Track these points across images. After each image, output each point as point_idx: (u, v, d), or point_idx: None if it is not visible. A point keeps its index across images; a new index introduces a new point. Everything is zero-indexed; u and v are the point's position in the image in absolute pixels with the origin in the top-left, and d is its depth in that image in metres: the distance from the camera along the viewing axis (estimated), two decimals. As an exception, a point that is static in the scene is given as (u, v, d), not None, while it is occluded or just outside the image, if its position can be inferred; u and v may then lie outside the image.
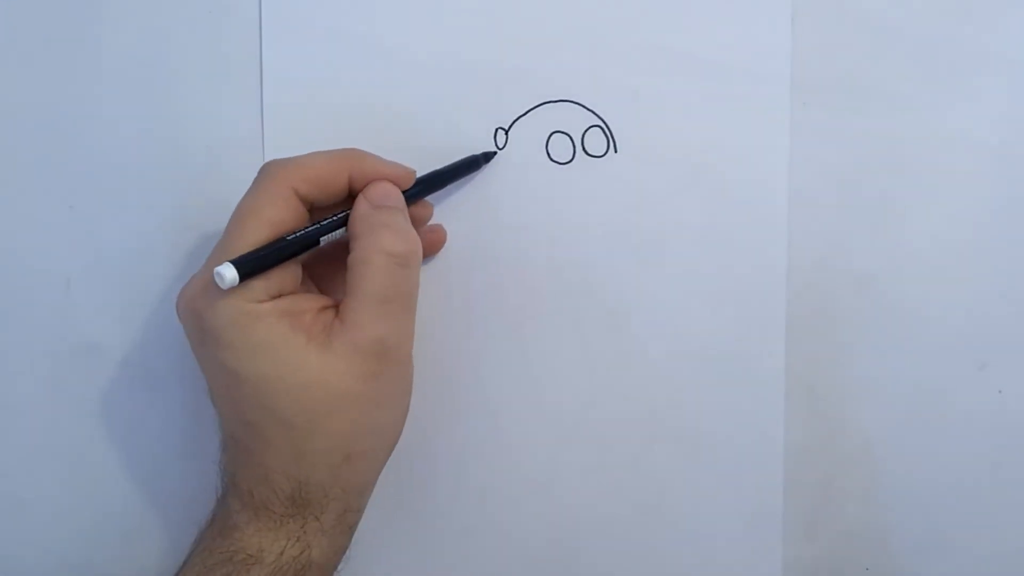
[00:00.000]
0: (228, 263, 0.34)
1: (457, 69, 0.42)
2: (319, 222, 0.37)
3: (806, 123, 0.42)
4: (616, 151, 0.42)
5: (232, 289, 0.34)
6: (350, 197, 0.38)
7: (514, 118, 0.42)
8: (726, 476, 0.43)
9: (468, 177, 0.42)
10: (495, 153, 0.42)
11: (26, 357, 0.44)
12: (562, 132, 0.42)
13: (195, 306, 0.36)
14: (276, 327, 0.35)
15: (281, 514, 0.36)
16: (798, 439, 0.43)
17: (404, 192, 0.38)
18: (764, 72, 0.41)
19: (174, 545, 0.44)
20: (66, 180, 0.43)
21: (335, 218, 0.37)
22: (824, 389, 0.43)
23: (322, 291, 0.40)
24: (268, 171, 0.37)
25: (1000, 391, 0.42)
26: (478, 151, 0.42)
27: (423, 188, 0.40)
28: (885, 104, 0.41)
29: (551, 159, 0.42)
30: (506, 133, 0.42)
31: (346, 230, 0.38)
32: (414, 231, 0.38)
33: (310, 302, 0.37)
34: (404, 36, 0.42)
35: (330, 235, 0.37)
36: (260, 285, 0.35)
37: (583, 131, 0.42)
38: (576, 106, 0.42)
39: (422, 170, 0.40)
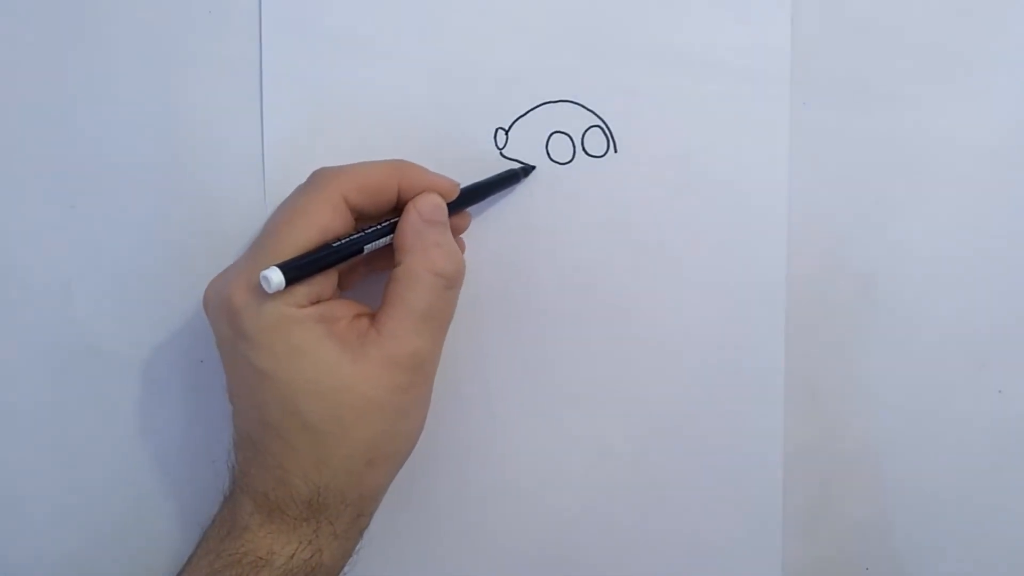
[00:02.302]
0: (276, 268, 0.34)
1: (457, 69, 0.42)
2: (364, 230, 0.37)
3: (806, 123, 0.42)
4: (616, 151, 0.42)
5: (275, 292, 0.35)
6: (394, 206, 0.38)
7: (514, 118, 0.42)
8: (726, 476, 0.43)
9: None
10: (534, 167, 0.42)
11: (27, 358, 0.44)
12: (562, 132, 0.42)
13: (232, 303, 0.36)
14: (313, 332, 0.35)
15: (295, 517, 0.36)
16: (798, 439, 0.43)
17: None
18: (764, 72, 0.41)
19: (175, 545, 0.44)
20: (66, 180, 0.43)
21: (380, 227, 0.37)
22: (824, 389, 0.43)
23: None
24: (320, 177, 0.37)
25: (1000, 391, 0.42)
26: (482, 152, 0.42)
27: (463, 200, 0.40)
28: (885, 104, 0.41)
29: (551, 159, 0.42)
30: (506, 133, 0.42)
31: (391, 239, 0.38)
32: (460, 252, 0.38)
33: (345, 308, 0.37)
34: (404, 36, 0.42)
35: (374, 243, 0.37)
36: (302, 290, 0.35)
37: (583, 131, 0.42)
38: (576, 106, 0.42)
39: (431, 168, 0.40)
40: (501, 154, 0.42)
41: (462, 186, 0.40)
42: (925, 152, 0.41)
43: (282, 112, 0.43)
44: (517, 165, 0.42)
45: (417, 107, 0.42)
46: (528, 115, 0.42)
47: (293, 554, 0.36)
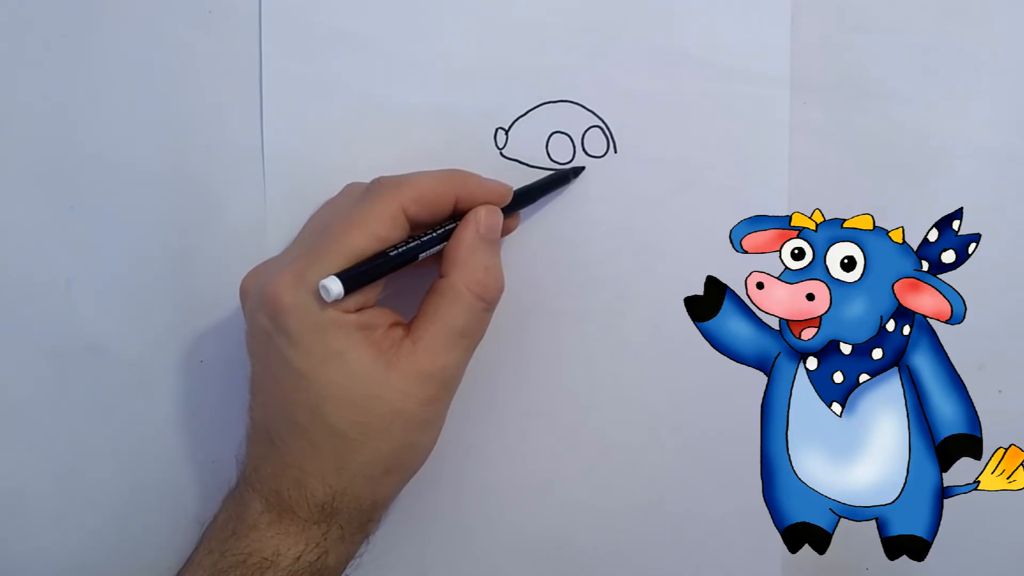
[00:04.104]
0: (335, 278, 0.34)
1: (457, 69, 0.42)
2: (419, 238, 0.37)
3: (806, 123, 0.42)
4: (616, 151, 0.42)
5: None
6: (450, 214, 0.38)
7: (514, 118, 0.42)
8: (726, 476, 0.43)
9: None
10: (583, 168, 0.42)
11: (26, 357, 0.44)
12: (562, 132, 0.42)
13: (279, 300, 0.35)
14: (352, 339, 0.36)
15: (306, 519, 0.36)
16: (798, 439, 0.43)
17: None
18: (764, 72, 0.41)
19: (174, 545, 0.44)
20: (66, 180, 0.43)
21: (436, 234, 0.38)
22: (824, 389, 0.43)
23: None
24: (381, 187, 0.37)
25: (1000, 391, 0.42)
26: (482, 152, 0.42)
27: (515, 204, 0.40)
28: (885, 104, 0.41)
29: (551, 159, 0.42)
30: (506, 133, 0.42)
31: (444, 245, 0.38)
32: (503, 276, 0.38)
33: (383, 317, 0.37)
34: (404, 36, 0.42)
35: (428, 250, 0.37)
36: (352, 297, 0.35)
37: (583, 131, 0.42)
38: (576, 106, 0.42)
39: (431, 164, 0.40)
40: (501, 154, 0.42)
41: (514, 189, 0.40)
42: (924, 152, 0.41)
43: (282, 112, 0.43)
44: (573, 165, 0.42)
45: (417, 107, 0.42)
46: (528, 115, 0.42)
47: (299, 556, 0.36)
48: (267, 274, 0.37)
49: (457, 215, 0.38)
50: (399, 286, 0.39)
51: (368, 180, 0.40)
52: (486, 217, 0.38)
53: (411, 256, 0.37)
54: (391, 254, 0.36)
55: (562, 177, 0.42)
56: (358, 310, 0.36)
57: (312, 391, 0.35)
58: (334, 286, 0.34)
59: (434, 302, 0.37)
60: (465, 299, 0.37)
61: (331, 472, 0.36)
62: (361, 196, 0.37)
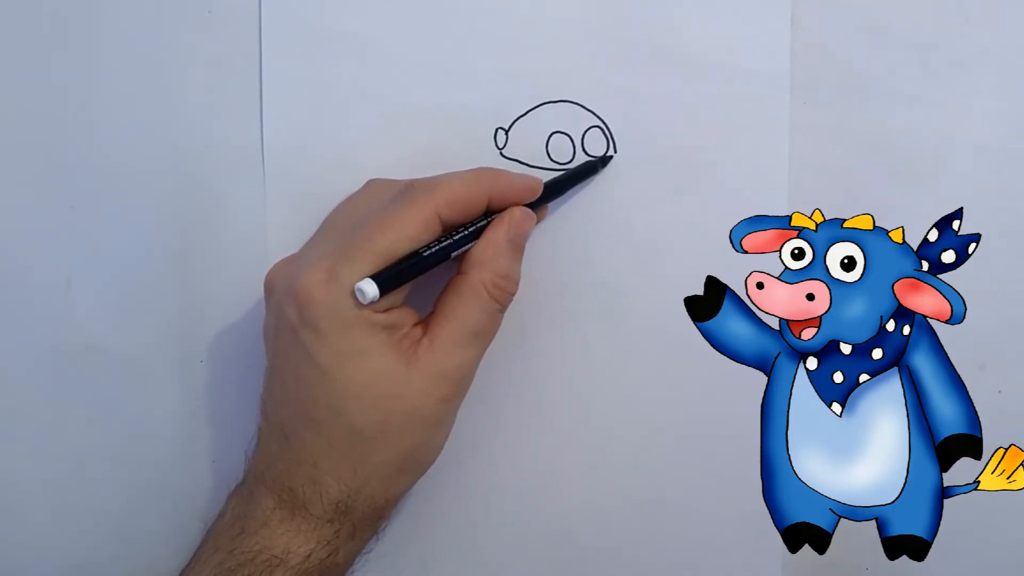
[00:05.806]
0: (371, 280, 0.34)
1: (457, 69, 0.42)
2: (451, 236, 0.37)
3: (806, 123, 0.42)
4: (616, 151, 0.42)
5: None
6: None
7: (514, 118, 0.42)
8: (726, 476, 0.43)
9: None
10: (611, 157, 0.42)
11: (26, 358, 0.44)
12: (562, 132, 0.42)
13: (310, 295, 0.35)
14: (378, 338, 0.36)
15: (319, 517, 0.36)
16: (798, 439, 0.43)
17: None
18: (764, 72, 0.41)
19: (175, 545, 0.44)
20: (66, 180, 0.43)
21: (467, 233, 0.38)
22: (824, 389, 0.43)
23: None
24: (414, 191, 0.37)
25: (1000, 391, 0.42)
26: (482, 152, 0.42)
27: (543, 197, 0.40)
28: (885, 103, 0.41)
29: (551, 159, 0.42)
30: (506, 133, 0.42)
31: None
32: (520, 279, 0.39)
33: (406, 317, 0.37)
34: (404, 36, 0.42)
35: (460, 249, 0.38)
36: (383, 298, 0.35)
37: (583, 131, 0.42)
38: (576, 106, 0.42)
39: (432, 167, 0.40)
40: (501, 154, 0.42)
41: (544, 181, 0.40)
42: (924, 152, 0.41)
43: (282, 112, 0.43)
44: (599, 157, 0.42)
45: (417, 107, 0.42)
46: (528, 115, 0.42)
47: (310, 554, 0.36)
48: (296, 269, 0.37)
49: (488, 213, 0.39)
50: (414, 281, 0.39)
51: (369, 179, 0.40)
52: (519, 221, 0.38)
53: (443, 256, 0.37)
54: (424, 254, 0.36)
55: (590, 168, 0.42)
56: (386, 310, 0.36)
57: (332, 387, 0.35)
58: (370, 289, 0.34)
59: (452, 301, 0.37)
60: (482, 299, 0.37)
61: (347, 470, 0.36)
62: (394, 198, 0.37)
